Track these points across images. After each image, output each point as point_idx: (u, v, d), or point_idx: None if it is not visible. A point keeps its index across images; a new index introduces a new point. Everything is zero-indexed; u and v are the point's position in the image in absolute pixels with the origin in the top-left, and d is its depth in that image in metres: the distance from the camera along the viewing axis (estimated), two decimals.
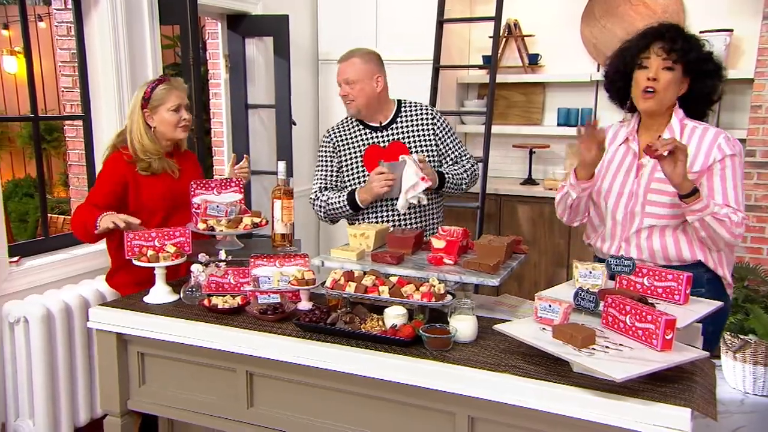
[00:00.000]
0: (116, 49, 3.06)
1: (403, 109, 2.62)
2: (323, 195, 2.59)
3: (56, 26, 3.34)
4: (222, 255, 2.13)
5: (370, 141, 2.57)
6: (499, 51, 4.29)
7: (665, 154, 1.77)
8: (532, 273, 4.18)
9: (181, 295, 2.03)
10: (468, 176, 2.61)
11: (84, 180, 3.26)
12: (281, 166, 2.29)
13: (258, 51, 4.10)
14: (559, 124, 4.35)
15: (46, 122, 6.23)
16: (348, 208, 2.50)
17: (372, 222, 2.55)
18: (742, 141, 3.68)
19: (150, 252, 2.03)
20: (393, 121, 2.59)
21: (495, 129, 4.24)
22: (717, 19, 3.89)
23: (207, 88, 4.32)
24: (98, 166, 3.19)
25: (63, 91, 3.32)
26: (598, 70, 4.27)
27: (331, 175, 2.61)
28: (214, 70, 4.28)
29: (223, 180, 2.40)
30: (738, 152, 1.95)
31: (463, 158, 2.65)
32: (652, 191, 1.99)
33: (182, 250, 2.09)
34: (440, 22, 4.09)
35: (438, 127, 2.60)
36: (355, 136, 2.59)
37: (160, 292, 2.05)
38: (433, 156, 2.57)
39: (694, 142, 1.96)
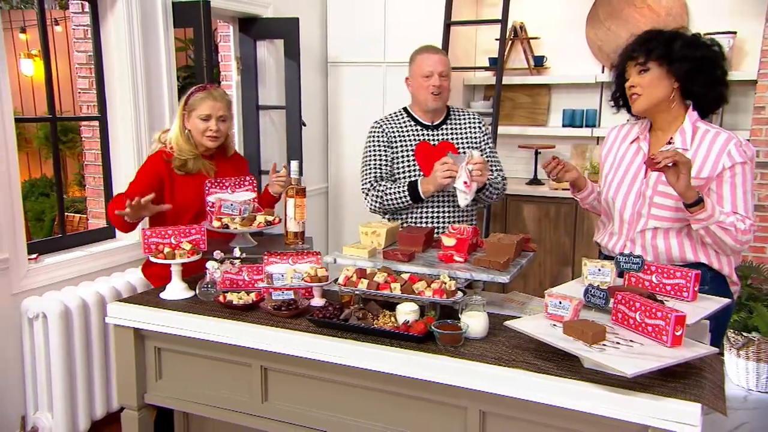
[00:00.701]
0: (131, 51, 3.07)
1: (452, 112, 2.65)
2: (379, 185, 2.53)
3: (74, 29, 3.35)
4: (236, 252, 2.13)
5: (422, 137, 2.58)
6: (505, 53, 4.28)
7: (670, 164, 1.76)
8: (537, 272, 4.16)
9: (197, 291, 2.03)
10: (499, 188, 2.58)
11: (100, 180, 3.27)
12: (294, 165, 2.29)
13: (269, 53, 4.10)
14: (564, 125, 4.33)
15: (61, 124, 6.25)
16: (408, 198, 2.47)
17: (418, 216, 2.55)
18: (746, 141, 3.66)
19: (166, 249, 2.03)
20: (444, 122, 2.61)
21: (501, 129, 4.23)
22: (720, 21, 3.87)
23: None
24: (114, 166, 3.21)
25: (80, 92, 3.33)
26: (603, 72, 4.26)
27: (386, 165, 2.57)
28: (226, 72, 4.29)
29: (237, 179, 2.40)
30: (749, 159, 1.92)
31: (494, 171, 2.61)
32: (658, 194, 1.97)
33: (197, 247, 2.09)
34: (447, 25, 4.08)
35: (483, 134, 2.64)
36: (407, 131, 2.59)
37: (177, 289, 2.05)
38: None
39: (704, 146, 1.94)
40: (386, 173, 2.57)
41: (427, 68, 2.48)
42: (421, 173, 2.54)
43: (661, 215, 1.97)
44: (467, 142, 2.60)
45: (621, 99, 2.12)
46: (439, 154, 2.48)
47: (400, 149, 2.57)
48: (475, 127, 2.64)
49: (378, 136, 2.58)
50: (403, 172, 2.56)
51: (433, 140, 2.58)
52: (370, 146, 2.59)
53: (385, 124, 2.60)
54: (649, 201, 1.98)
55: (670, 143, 1.98)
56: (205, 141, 2.40)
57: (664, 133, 2.02)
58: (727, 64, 2.00)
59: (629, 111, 2.12)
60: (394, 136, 2.58)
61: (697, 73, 1.94)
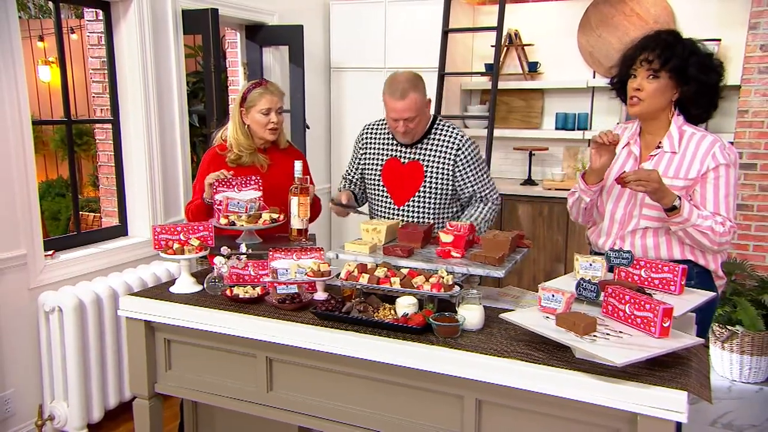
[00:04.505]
0: (143, 57, 3.07)
1: (434, 128, 2.40)
2: (341, 183, 2.67)
3: (88, 36, 3.35)
4: (242, 248, 2.12)
5: (394, 153, 2.45)
6: (501, 59, 4.27)
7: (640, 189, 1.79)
8: (531, 268, 4.16)
9: (205, 285, 2.02)
10: (481, 218, 2.38)
11: (113, 180, 3.27)
12: (298, 165, 2.28)
13: (274, 59, 4.10)
14: (557, 128, 4.33)
15: (76, 127, 6.25)
16: None
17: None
18: (730, 144, 3.65)
19: (176, 245, 2.03)
20: (420, 141, 2.39)
21: (496, 132, 4.22)
22: (706, 29, 3.86)
23: (226, 95, 4.32)
24: (126, 167, 3.21)
25: (94, 96, 3.33)
26: (594, 77, 4.25)
27: (353, 168, 2.61)
28: (233, 77, 4.29)
29: (243, 179, 2.39)
30: (732, 162, 1.90)
31: (482, 198, 2.41)
32: None
33: (206, 243, 2.08)
34: (445, 32, 4.08)
35: (460, 159, 2.35)
36: (384, 143, 2.48)
37: (185, 283, 2.05)
38: (447, 184, 2.39)
39: (691, 148, 1.93)
40: (350, 175, 2.62)
41: (392, 114, 2.28)
42: (384, 188, 2.47)
43: (652, 215, 1.96)
44: (438, 165, 2.37)
45: (619, 86, 2.05)
46: (406, 174, 2.41)
47: (368, 159, 2.51)
48: (449, 149, 2.35)
49: (357, 141, 2.58)
50: (369, 181, 2.52)
51: (404, 158, 2.41)
52: (353, 147, 2.63)
53: (368, 131, 2.54)
54: (641, 202, 1.97)
55: (659, 147, 1.97)
56: (267, 134, 2.41)
57: (653, 136, 2.01)
58: (723, 87, 1.96)
59: (624, 101, 2.09)
60: (370, 144, 2.51)
61: (702, 96, 1.92)
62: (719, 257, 2.00)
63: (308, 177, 2.35)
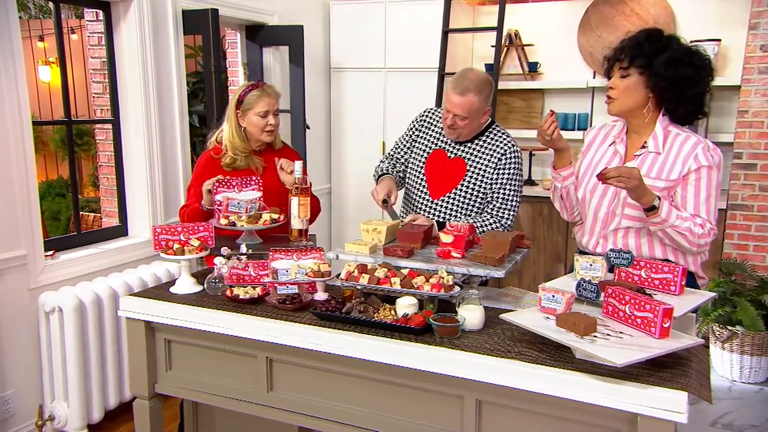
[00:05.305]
0: (143, 57, 3.07)
1: (488, 131, 2.41)
2: (383, 162, 2.60)
3: (88, 37, 3.35)
4: (243, 249, 2.12)
5: (443, 145, 2.44)
6: (501, 59, 4.27)
7: (620, 185, 1.79)
8: (531, 268, 4.15)
9: (205, 285, 2.02)
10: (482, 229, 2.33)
11: (113, 180, 3.27)
12: (297, 165, 2.28)
13: (274, 59, 4.10)
14: None
15: (76, 127, 6.26)
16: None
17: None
18: (730, 144, 3.66)
19: (176, 246, 2.03)
20: (472, 140, 2.40)
21: None
22: (706, 30, 3.87)
23: (227, 95, 4.32)
24: (126, 167, 3.21)
25: (94, 97, 3.33)
26: (594, 78, 4.25)
27: (400, 150, 2.57)
28: (233, 78, 4.29)
29: (243, 179, 2.39)
30: (715, 164, 1.89)
31: (495, 211, 2.37)
32: None
33: (206, 243, 2.08)
34: (445, 32, 4.08)
35: (503, 165, 2.36)
36: (436, 133, 2.47)
37: (186, 283, 2.04)
38: (481, 185, 2.38)
39: (674, 149, 1.93)
40: (398, 155, 2.58)
41: (447, 104, 2.30)
42: (424, 177, 2.46)
43: (634, 215, 1.96)
44: (481, 166, 2.37)
45: None
46: (449, 168, 2.41)
47: (419, 145, 2.50)
48: (497, 154, 2.35)
49: (412, 124, 2.56)
50: (412, 168, 2.51)
51: (451, 153, 2.41)
52: (406, 129, 2.60)
53: (427, 116, 2.54)
54: (623, 201, 1.98)
55: (644, 147, 1.97)
56: (264, 136, 2.40)
57: (639, 136, 2.01)
58: (708, 82, 1.93)
59: None
60: (423, 130, 2.51)
61: (672, 90, 1.90)
62: (699, 258, 2.01)
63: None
